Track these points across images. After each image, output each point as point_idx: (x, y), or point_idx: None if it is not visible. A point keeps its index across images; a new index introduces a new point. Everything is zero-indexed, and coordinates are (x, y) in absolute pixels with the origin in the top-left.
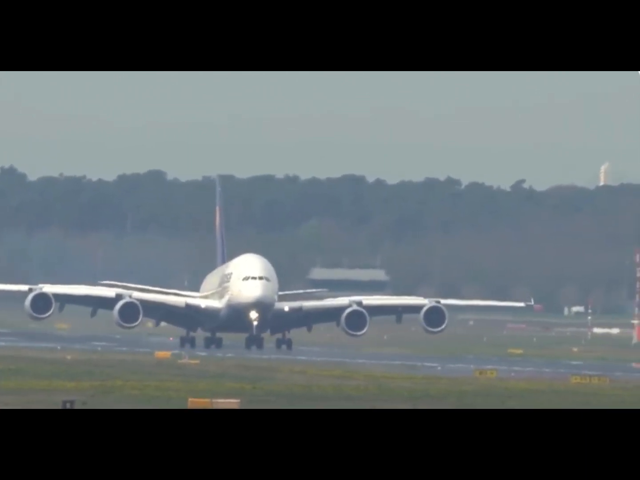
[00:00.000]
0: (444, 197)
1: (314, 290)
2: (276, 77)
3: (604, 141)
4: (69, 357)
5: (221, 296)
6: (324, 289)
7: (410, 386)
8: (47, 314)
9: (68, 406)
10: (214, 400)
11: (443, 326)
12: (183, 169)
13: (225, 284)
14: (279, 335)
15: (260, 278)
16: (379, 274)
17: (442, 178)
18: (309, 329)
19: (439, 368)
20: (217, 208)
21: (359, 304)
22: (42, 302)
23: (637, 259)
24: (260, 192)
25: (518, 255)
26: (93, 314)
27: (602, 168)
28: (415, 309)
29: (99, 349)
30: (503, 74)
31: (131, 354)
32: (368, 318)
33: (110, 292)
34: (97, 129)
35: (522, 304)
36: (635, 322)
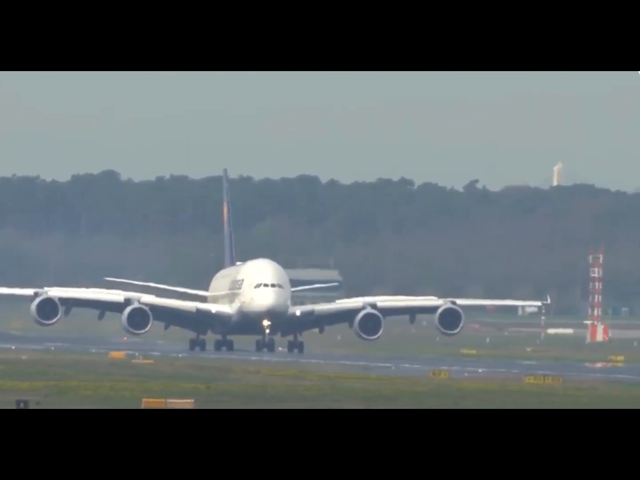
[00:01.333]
0: (397, 197)
1: (324, 285)
2: (230, 77)
3: (557, 142)
4: (24, 357)
5: (232, 301)
6: (335, 282)
7: (364, 386)
8: (54, 320)
9: (22, 406)
10: (168, 401)
11: (458, 329)
12: (137, 169)
13: (237, 290)
14: (290, 338)
15: (273, 285)
16: (333, 274)
17: (395, 178)
18: (321, 331)
19: (393, 368)
20: (225, 204)
21: (373, 306)
22: (48, 307)
23: (591, 260)
24: (213, 193)
25: (472, 255)
26: (100, 317)
27: (556, 168)
28: (430, 309)
29: (53, 349)
30: (456, 74)
31: (85, 354)
32: (383, 321)
33: (118, 297)
34: (50, 129)
35: (538, 303)
36: (589, 322)
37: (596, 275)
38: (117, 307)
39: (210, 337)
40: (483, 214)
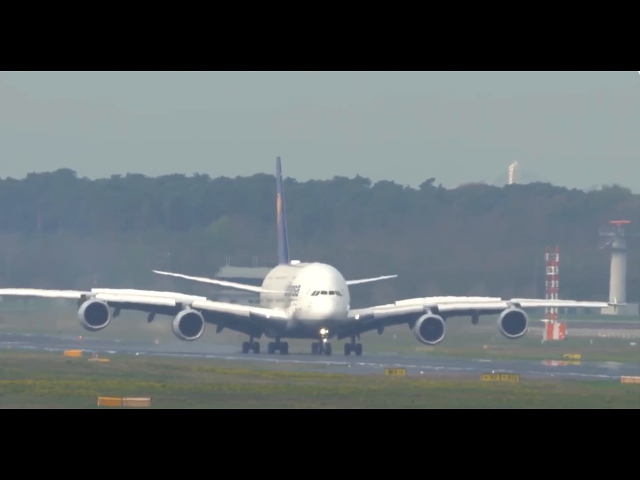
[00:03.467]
0: (353, 195)
1: (382, 277)
2: (187, 77)
3: (513, 140)
4: None
5: (287, 306)
6: (393, 275)
7: (319, 385)
8: (104, 324)
9: None
10: (123, 399)
11: (522, 332)
12: (93, 168)
13: (293, 296)
14: (347, 341)
15: (331, 293)
16: None
17: (351, 177)
18: (380, 332)
19: (349, 366)
20: (278, 195)
21: (434, 309)
22: (96, 312)
23: (547, 258)
24: (169, 191)
25: (428, 253)
26: (150, 319)
27: (511, 167)
28: (493, 311)
29: (9, 347)
30: (414, 74)
31: (41, 353)
32: (444, 326)
33: (169, 300)
34: (6, 127)
35: (604, 304)
36: (545, 320)
37: (552, 273)
38: (167, 310)
39: (264, 340)
40: (439, 212)
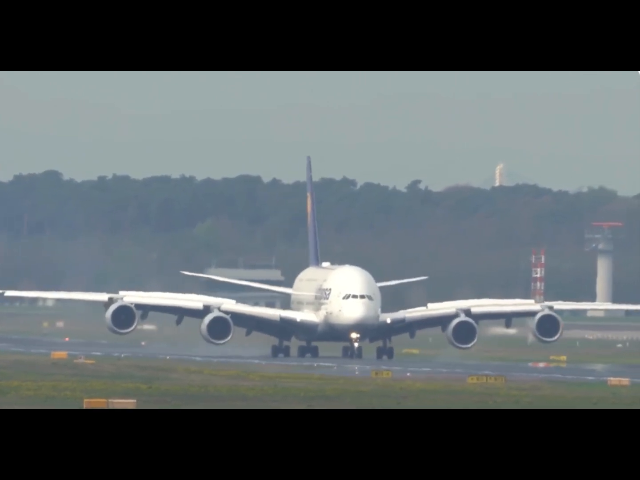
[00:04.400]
0: (339, 197)
1: (412, 279)
2: (172, 78)
3: (499, 141)
4: None
5: (318, 309)
6: (424, 277)
7: (306, 386)
8: (131, 328)
9: None
10: (110, 400)
11: (557, 336)
12: (79, 169)
13: (324, 300)
14: (379, 344)
15: (362, 297)
16: (275, 274)
17: (337, 178)
18: (412, 335)
19: (335, 368)
20: (308, 195)
21: (467, 312)
22: (124, 315)
23: (533, 260)
24: (156, 192)
25: (413, 255)
26: (179, 321)
27: (497, 168)
28: (527, 314)
29: None
30: (398, 74)
31: (27, 355)
32: (477, 329)
33: (197, 303)
34: None
35: (637, 307)
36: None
37: (538, 275)
38: (196, 313)
39: (294, 343)
40: (425, 214)
